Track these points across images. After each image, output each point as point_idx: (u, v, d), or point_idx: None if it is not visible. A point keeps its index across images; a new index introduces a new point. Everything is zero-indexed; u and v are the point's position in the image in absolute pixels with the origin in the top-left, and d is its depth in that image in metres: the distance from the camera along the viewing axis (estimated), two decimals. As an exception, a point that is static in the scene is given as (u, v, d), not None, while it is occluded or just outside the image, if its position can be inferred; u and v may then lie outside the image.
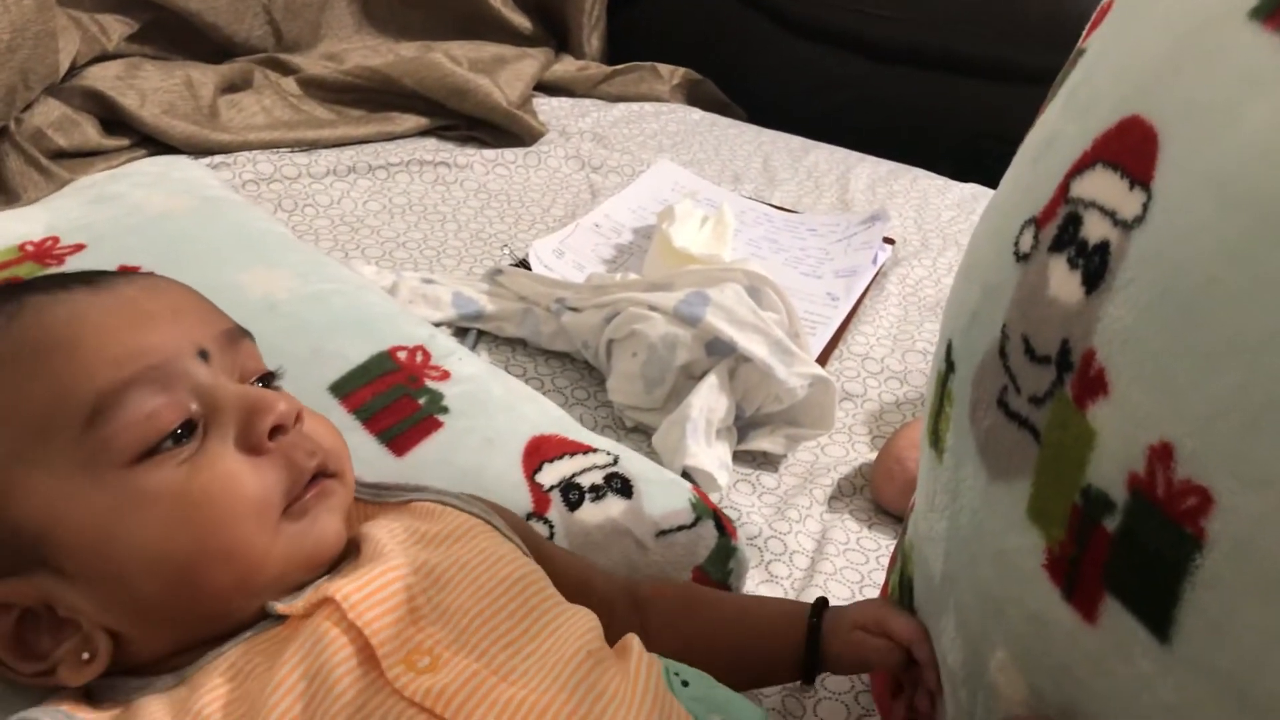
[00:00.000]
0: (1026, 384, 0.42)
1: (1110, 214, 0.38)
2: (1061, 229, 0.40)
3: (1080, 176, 0.40)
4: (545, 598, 0.52)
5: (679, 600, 0.63)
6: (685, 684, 0.51)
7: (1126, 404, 0.36)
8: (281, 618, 0.48)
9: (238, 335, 0.54)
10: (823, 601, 0.62)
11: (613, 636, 0.53)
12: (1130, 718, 0.38)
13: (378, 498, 0.59)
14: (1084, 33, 0.48)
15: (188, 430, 0.48)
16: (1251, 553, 0.31)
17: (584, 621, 0.51)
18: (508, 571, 0.51)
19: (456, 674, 0.45)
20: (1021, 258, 0.43)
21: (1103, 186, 0.39)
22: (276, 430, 0.50)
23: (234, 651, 0.47)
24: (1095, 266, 0.38)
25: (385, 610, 0.47)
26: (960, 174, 1.48)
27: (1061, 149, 0.43)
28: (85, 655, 0.47)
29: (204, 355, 0.51)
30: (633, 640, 0.51)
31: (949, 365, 0.50)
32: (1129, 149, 0.38)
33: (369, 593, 0.47)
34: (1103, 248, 0.38)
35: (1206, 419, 0.32)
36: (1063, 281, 0.40)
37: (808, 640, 0.60)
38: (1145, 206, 0.36)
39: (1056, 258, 0.40)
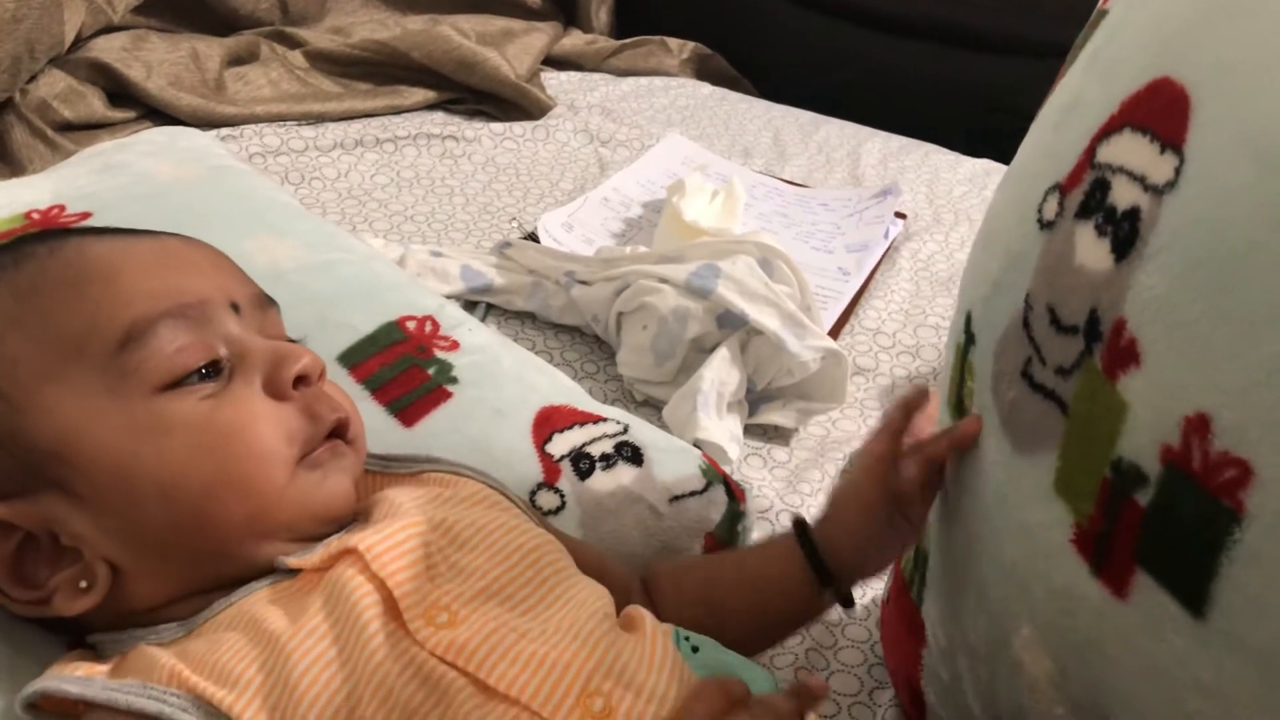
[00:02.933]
0: (1052, 355, 0.41)
1: (1140, 179, 0.37)
2: (1088, 195, 0.39)
3: (1107, 141, 0.39)
4: (560, 568, 0.52)
5: (682, 564, 0.64)
6: (695, 649, 0.50)
7: (1160, 374, 0.35)
8: (293, 572, 0.48)
9: (266, 301, 0.56)
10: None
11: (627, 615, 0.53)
12: (1161, 694, 0.37)
13: (387, 468, 0.59)
14: (1105, -6, 0.47)
15: (214, 370, 0.49)
16: (1294, 527, 0.30)
17: (597, 592, 0.51)
18: (524, 540, 0.52)
19: (476, 630, 0.45)
20: (1046, 225, 0.42)
21: (1131, 151, 0.38)
22: (300, 381, 0.51)
23: (245, 600, 0.47)
24: (1125, 233, 0.37)
25: (406, 564, 0.47)
26: (972, 149, 1.47)
27: (1085, 113, 0.42)
28: (83, 584, 0.47)
29: (236, 309, 0.52)
30: (640, 610, 0.51)
31: (969, 337, 0.49)
32: (1159, 112, 0.37)
33: (391, 545, 0.47)
34: (1133, 214, 0.37)
35: (1246, 389, 0.32)
36: (1090, 249, 0.39)
37: (799, 536, 0.58)
38: (1178, 171, 0.35)
39: (1083, 225, 0.39)
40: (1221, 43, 0.35)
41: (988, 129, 1.50)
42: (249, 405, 0.49)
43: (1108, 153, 0.39)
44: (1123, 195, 0.37)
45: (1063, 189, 0.41)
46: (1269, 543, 0.31)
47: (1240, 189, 0.32)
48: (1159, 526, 0.35)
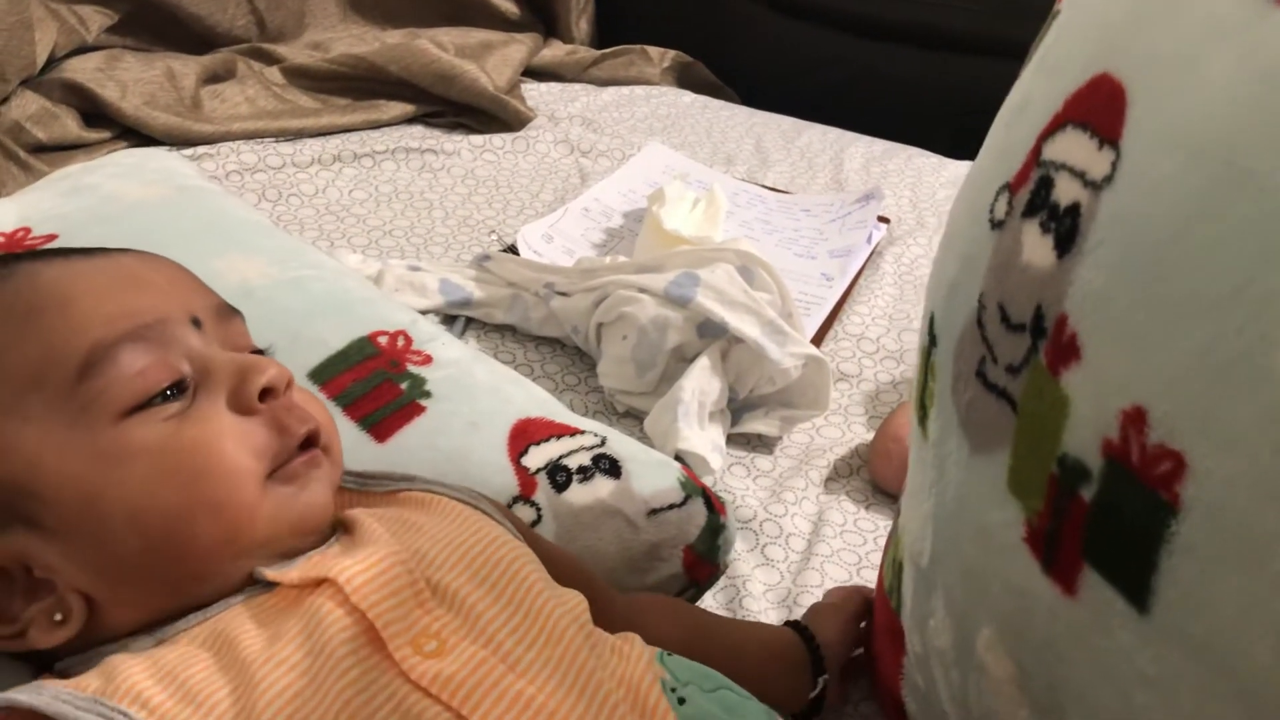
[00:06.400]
0: (1003, 353, 0.41)
1: (1080, 175, 0.37)
2: (1034, 193, 0.40)
3: (1052, 139, 0.40)
4: (538, 578, 0.51)
5: (669, 608, 0.65)
6: (682, 701, 0.49)
7: (1099, 368, 0.35)
8: (270, 585, 0.47)
9: (229, 311, 0.54)
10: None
11: (611, 627, 0.52)
12: (1111, 690, 0.37)
13: (363, 486, 0.58)
14: (1059, -6, 0.47)
15: (178, 389, 0.48)
16: (1225, 517, 0.31)
17: (575, 603, 0.50)
18: (504, 552, 0.51)
19: (465, 661, 0.44)
20: (996, 225, 0.42)
21: (1073, 147, 0.38)
22: (267, 393, 0.50)
23: (221, 615, 0.46)
24: (1066, 229, 0.37)
25: (389, 593, 0.46)
26: (955, 152, 1.47)
27: (1034, 112, 0.42)
28: (58, 616, 0.46)
29: (197, 323, 0.51)
30: (635, 640, 0.50)
31: (931, 339, 0.49)
32: (1097, 108, 0.37)
33: (371, 575, 0.46)
34: (1074, 210, 0.37)
35: (1176, 380, 0.32)
36: (1036, 246, 0.39)
37: (802, 633, 0.64)
38: (1114, 165, 0.35)
39: (1029, 223, 0.39)
40: (1153, 36, 0.35)
41: (971, 132, 1.49)
42: (214, 423, 0.48)
43: (1052, 150, 0.39)
44: (1065, 192, 0.37)
45: (1011, 188, 0.42)
46: (1203, 535, 0.31)
47: (1167, 181, 0.32)
48: (1102, 522, 0.35)
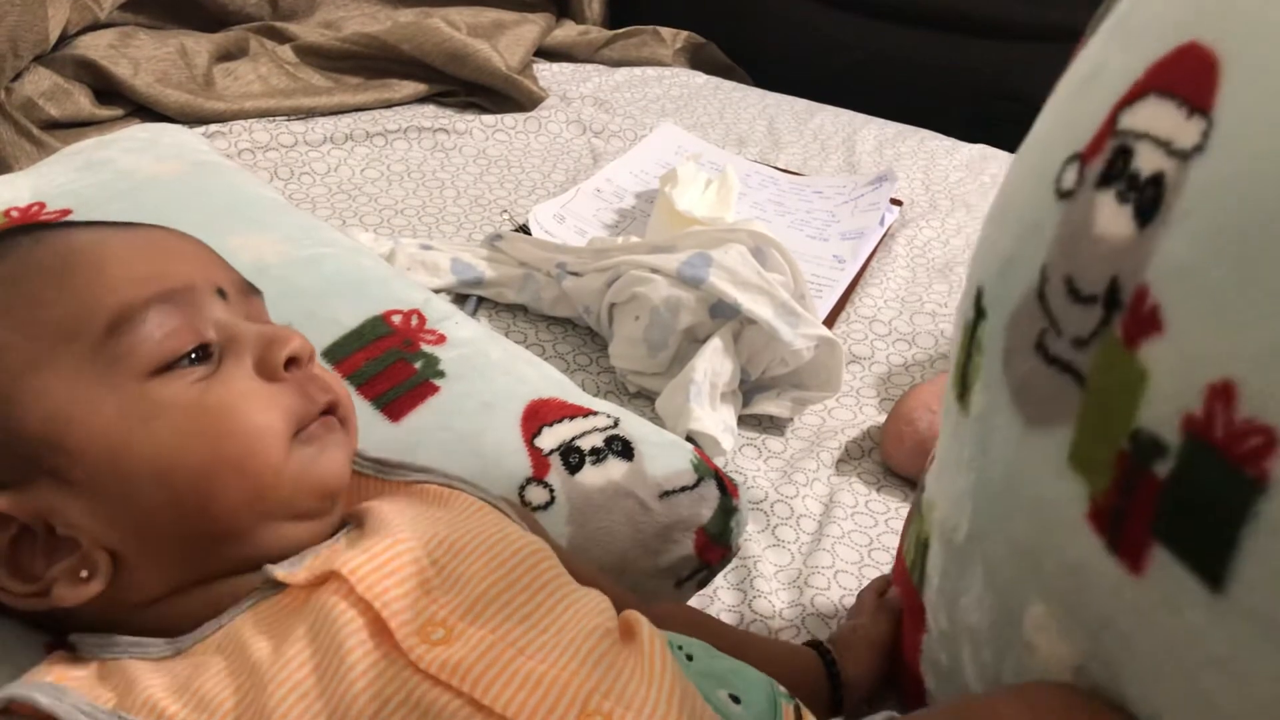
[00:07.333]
0: (1069, 326, 0.40)
1: (1165, 144, 0.36)
2: (1110, 163, 0.39)
3: (1130, 108, 0.39)
4: (558, 574, 0.51)
5: (688, 619, 0.64)
6: (690, 658, 0.50)
7: (1183, 342, 0.34)
8: (281, 586, 0.48)
9: (250, 289, 0.55)
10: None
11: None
12: (1176, 671, 0.36)
13: (382, 473, 0.58)
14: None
15: (203, 354, 0.49)
16: (1319, 495, 0.30)
17: (597, 602, 0.50)
18: (521, 544, 0.51)
19: (472, 646, 0.44)
20: (1064, 195, 0.42)
21: (1156, 117, 0.37)
22: (291, 363, 0.51)
23: (234, 623, 0.46)
24: (1148, 199, 0.36)
25: (396, 582, 0.46)
26: (968, 135, 1.46)
27: (1108, 81, 0.41)
28: (84, 573, 0.46)
29: (222, 294, 0.52)
30: (637, 617, 0.50)
31: (979, 313, 0.49)
32: (1186, 77, 0.36)
33: (377, 565, 0.47)
34: (1157, 180, 0.36)
35: (1272, 354, 0.31)
36: (1112, 217, 0.38)
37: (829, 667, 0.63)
38: (1205, 135, 0.34)
39: (1104, 193, 0.39)
40: (1252, 4, 0.35)
41: (984, 114, 1.48)
42: (241, 386, 0.49)
43: (1131, 119, 0.38)
44: (1147, 161, 0.37)
45: (1083, 158, 0.41)
46: (1294, 513, 0.31)
47: (1269, 153, 0.32)
48: (1177, 499, 0.34)
